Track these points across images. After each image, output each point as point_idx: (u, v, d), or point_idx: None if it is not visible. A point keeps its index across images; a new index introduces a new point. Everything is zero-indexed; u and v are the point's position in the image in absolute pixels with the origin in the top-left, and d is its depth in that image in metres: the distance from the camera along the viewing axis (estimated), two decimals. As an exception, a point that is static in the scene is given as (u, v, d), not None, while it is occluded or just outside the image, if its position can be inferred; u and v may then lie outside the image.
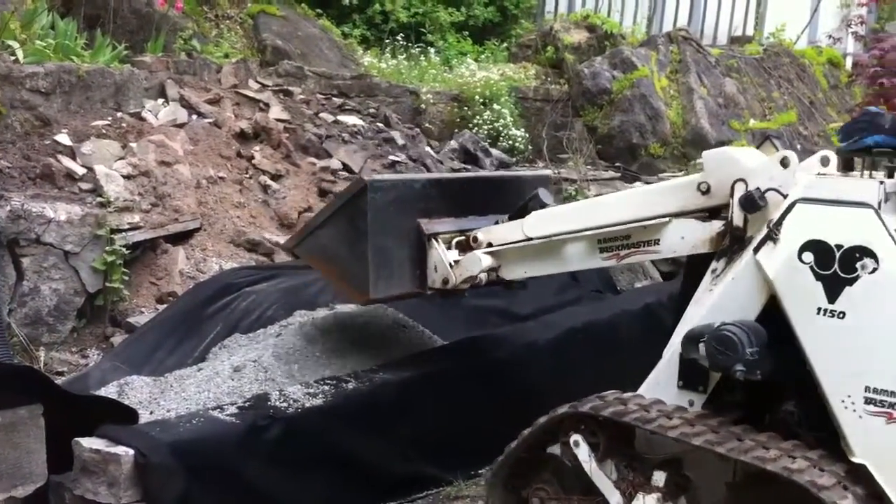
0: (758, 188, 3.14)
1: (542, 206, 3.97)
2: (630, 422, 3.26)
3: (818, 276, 2.87)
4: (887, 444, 2.75)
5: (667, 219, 3.45)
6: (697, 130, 8.56)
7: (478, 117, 8.16)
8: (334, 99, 7.58)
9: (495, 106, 8.23)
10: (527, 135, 8.34)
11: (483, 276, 3.96)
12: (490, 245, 3.95)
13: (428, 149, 7.42)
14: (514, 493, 3.52)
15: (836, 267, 2.84)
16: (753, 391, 3.19)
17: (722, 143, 8.63)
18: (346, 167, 6.66)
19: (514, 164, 7.85)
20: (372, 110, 7.58)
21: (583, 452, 3.32)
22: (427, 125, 8.04)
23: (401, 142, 7.19)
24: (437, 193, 4.13)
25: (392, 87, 8.06)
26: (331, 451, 3.88)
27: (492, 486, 3.56)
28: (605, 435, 3.32)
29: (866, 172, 3.10)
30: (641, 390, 3.40)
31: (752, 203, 3.14)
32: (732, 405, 3.25)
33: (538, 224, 3.83)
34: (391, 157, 6.84)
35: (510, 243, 3.89)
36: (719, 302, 3.16)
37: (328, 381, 4.06)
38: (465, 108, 8.27)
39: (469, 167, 7.24)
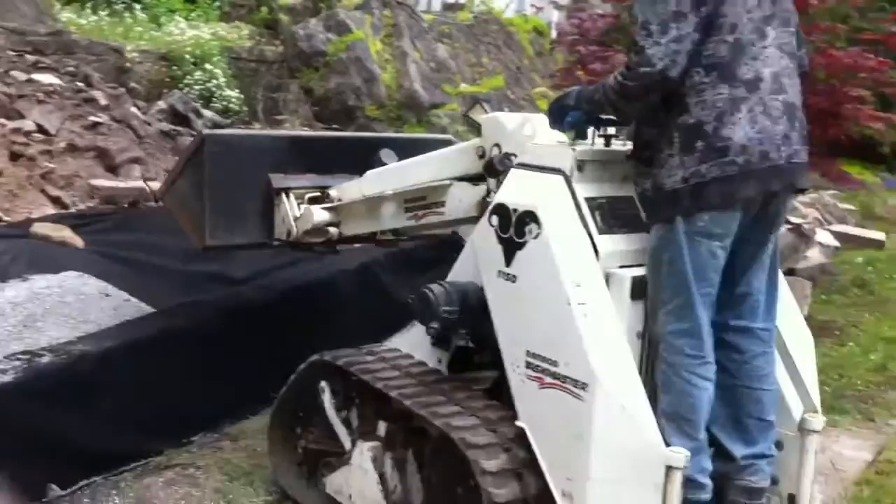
0: (505, 153, 3.22)
1: (382, 165, 4.03)
2: (353, 370, 3.36)
3: (499, 239, 2.93)
4: (539, 409, 2.80)
5: (448, 181, 3.50)
6: (411, 93, 8.72)
7: (189, 77, 7.87)
8: (28, 56, 7.01)
9: (207, 66, 7.96)
10: (241, 96, 8.15)
11: (334, 231, 4.05)
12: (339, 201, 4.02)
13: (134, 109, 7.05)
14: (291, 434, 3.69)
15: (512, 231, 2.89)
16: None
17: (434, 106, 8.87)
18: (41, 128, 6.20)
19: (229, 125, 7.63)
20: (71, 69, 7.09)
21: (326, 399, 3.48)
22: (133, 85, 7.63)
23: (103, 102, 6.79)
24: (300, 150, 4.24)
25: (93, 45, 7.58)
26: (27, 433, 3.60)
27: (270, 427, 3.76)
28: (345, 383, 3.43)
29: (567, 140, 3.11)
30: (404, 346, 3.47)
31: (491, 167, 3.23)
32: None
33: (368, 183, 3.88)
34: (92, 118, 6.44)
35: (347, 201, 3.95)
36: (458, 265, 3.24)
37: (20, 357, 3.76)
38: (175, 68, 7.94)
39: (179, 128, 6.95)
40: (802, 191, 3.11)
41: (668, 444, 2.69)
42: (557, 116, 3.09)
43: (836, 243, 9.83)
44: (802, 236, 8.55)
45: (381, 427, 3.28)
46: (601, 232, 2.90)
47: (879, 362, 6.10)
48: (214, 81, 7.90)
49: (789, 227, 8.27)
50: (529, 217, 2.84)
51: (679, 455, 2.60)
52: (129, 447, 3.91)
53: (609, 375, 2.62)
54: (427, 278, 3.32)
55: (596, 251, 2.86)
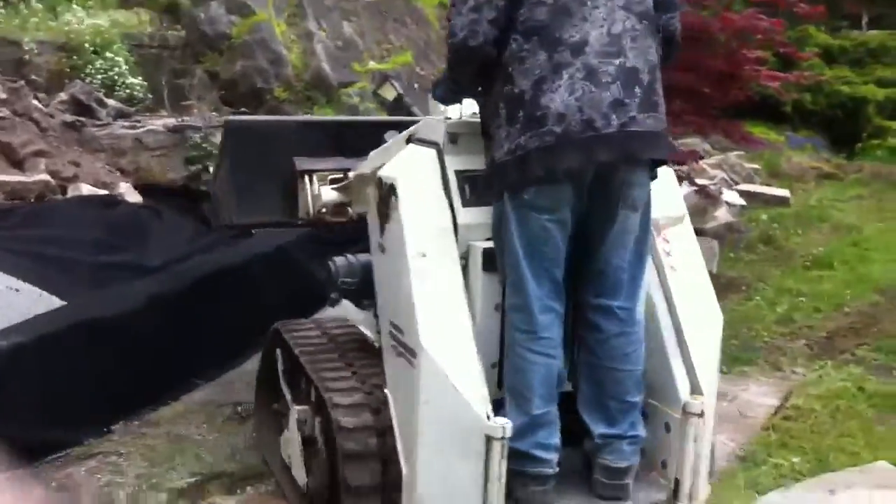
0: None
1: None
2: (286, 337, 3.64)
3: (378, 211, 2.96)
4: (394, 375, 2.87)
5: None
6: (319, 73, 8.67)
7: (90, 67, 7.68)
8: (-83, 51, 6.80)
9: (108, 54, 7.78)
10: (145, 83, 7.99)
11: (350, 211, 4.05)
12: None
13: (35, 102, 6.87)
14: (268, 401, 3.85)
15: (382, 203, 2.92)
16: None
17: (344, 85, 8.84)
18: (-66, 125, 6.02)
19: (135, 113, 7.50)
20: (-34, 64, 6.89)
21: (279, 366, 3.66)
22: (34, 77, 7.44)
23: (3, 96, 6.59)
24: (321, 136, 4.34)
25: (-11, 39, 7.37)
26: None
27: (256, 392, 4.00)
28: (288, 350, 3.59)
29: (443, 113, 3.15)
30: (351, 316, 3.65)
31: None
32: None
33: (365, 163, 3.82)
34: (-9, 113, 6.27)
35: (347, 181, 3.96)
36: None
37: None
38: (75, 58, 7.75)
39: (83, 119, 6.82)
40: (662, 162, 2.91)
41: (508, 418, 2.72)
42: (432, 90, 3.14)
43: (742, 202, 10.16)
44: (709, 197, 8.80)
45: (312, 392, 3.35)
46: (466, 204, 2.90)
47: (785, 314, 6.36)
48: (117, 69, 7.73)
49: (696, 188, 8.51)
50: (391, 189, 2.86)
51: (497, 427, 2.59)
52: (49, 438, 3.88)
53: (436, 345, 2.64)
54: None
55: (456, 224, 2.87)
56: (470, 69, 2.82)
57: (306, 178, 4.19)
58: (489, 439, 2.60)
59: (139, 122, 7.08)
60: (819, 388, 4.96)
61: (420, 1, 11.36)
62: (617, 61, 2.70)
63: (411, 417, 2.70)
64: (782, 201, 10.63)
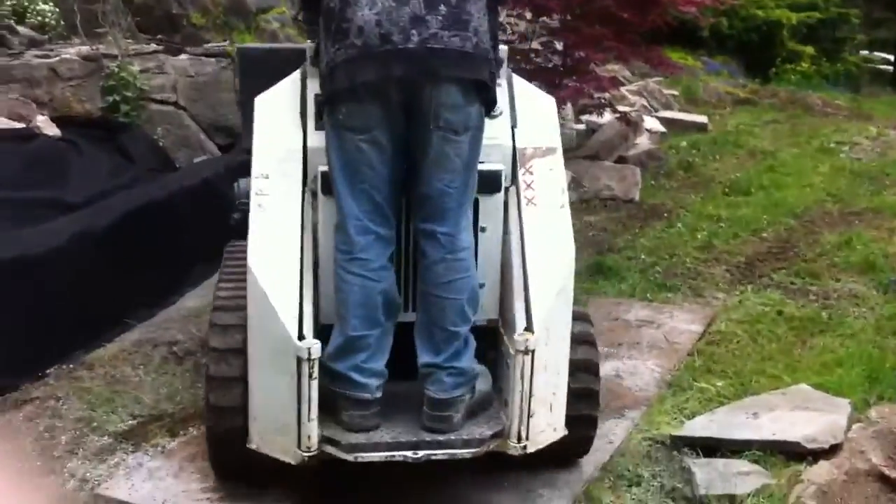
0: None
1: None
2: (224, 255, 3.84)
3: None
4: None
5: None
6: (238, -2, 8.45)
7: (-3, -8, 7.35)
8: None
9: (16, -21, 7.45)
10: (57, 9, 7.68)
11: None
12: None
13: (-62, 30, 6.58)
14: None
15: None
16: None
17: (262, 11, 8.64)
18: None
19: (48, 41, 7.22)
20: None
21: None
22: (-63, 4, 7.09)
23: None
24: None
25: None
26: None
27: None
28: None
29: None
30: None
31: None
32: None
33: None
34: None
35: None
36: None
37: None
38: (-19, -17, 7.40)
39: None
40: (476, 83, 2.82)
41: None
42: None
43: (662, 129, 10.30)
44: (630, 124, 8.91)
45: None
46: (318, 128, 2.94)
47: (705, 240, 6.52)
48: (26, -6, 7.42)
49: (617, 116, 8.60)
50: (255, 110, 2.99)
51: (304, 347, 2.64)
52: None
53: (261, 264, 2.74)
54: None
55: (306, 146, 2.93)
56: None
57: None
58: (299, 360, 2.65)
59: (52, 50, 6.83)
60: (740, 313, 5.13)
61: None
62: None
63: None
64: (700, 128, 10.81)
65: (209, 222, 5.23)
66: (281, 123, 2.95)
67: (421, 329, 2.93)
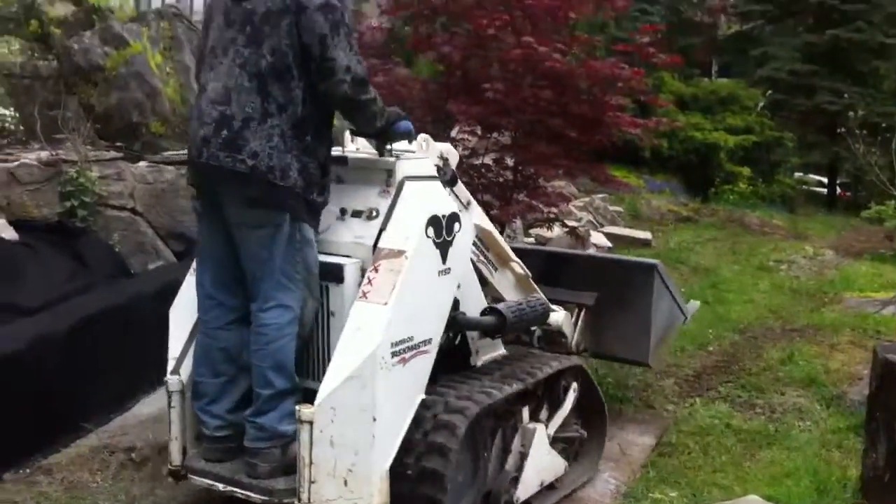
0: None
1: None
2: None
3: None
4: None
5: None
6: (197, 108, 8.59)
7: (-43, 96, 7.42)
8: None
9: (-24, 84, 7.54)
10: (17, 114, 7.76)
11: None
12: None
13: None
14: None
15: None
16: None
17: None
18: None
19: (7, 145, 7.27)
20: None
21: None
22: None
23: None
24: None
25: None
26: None
27: None
28: None
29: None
30: None
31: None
32: None
33: None
34: None
35: None
36: None
37: None
38: (-59, 87, 7.47)
39: (-49, 151, 6.57)
40: (258, 200, 3.34)
41: None
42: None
43: (608, 244, 10.57)
44: (578, 238, 9.15)
45: None
46: None
47: (654, 353, 6.65)
48: (-15, 99, 7.50)
49: (566, 230, 8.83)
50: None
51: (167, 381, 3.56)
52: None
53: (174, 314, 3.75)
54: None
55: None
56: None
57: None
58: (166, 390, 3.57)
59: (11, 154, 6.87)
60: (690, 425, 5.25)
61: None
62: (221, 108, 3.36)
63: None
64: (645, 243, 11.12)
65: (165, 328, 5.25)
66: None
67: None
